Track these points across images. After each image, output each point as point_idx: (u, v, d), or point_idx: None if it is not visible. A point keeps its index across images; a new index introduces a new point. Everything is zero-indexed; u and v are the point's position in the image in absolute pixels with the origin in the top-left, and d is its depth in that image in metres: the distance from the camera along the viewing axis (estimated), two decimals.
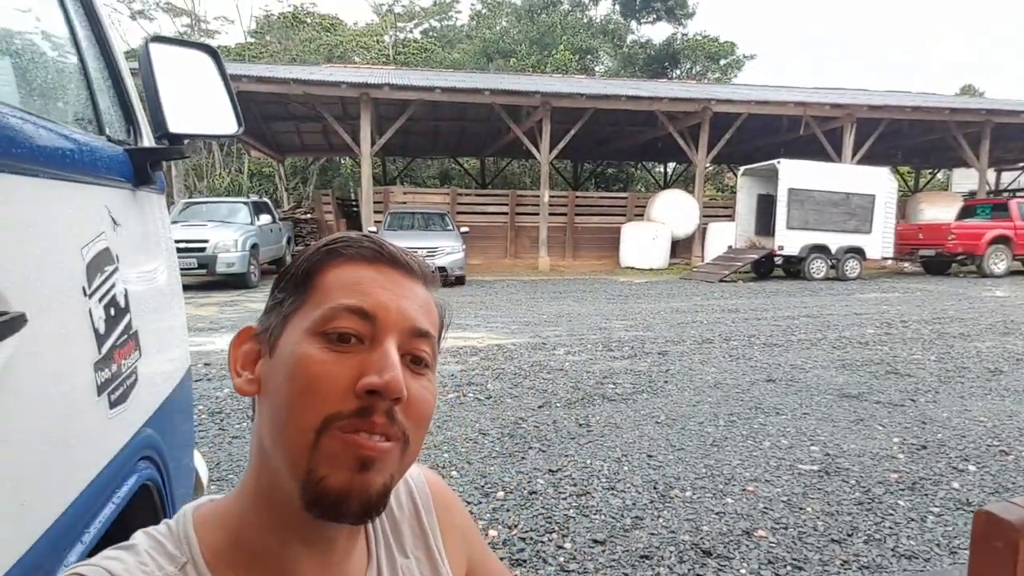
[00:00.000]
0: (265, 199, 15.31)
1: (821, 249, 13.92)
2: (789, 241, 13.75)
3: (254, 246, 11.57)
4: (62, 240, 0.89)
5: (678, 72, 31.90)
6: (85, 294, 0.94)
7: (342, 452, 0.48)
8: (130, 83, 1.40)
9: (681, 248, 17.24)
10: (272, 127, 19.14)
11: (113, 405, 1.02)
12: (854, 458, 3.23)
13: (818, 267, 13.94)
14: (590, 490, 2.83)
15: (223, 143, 24.73)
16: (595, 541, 2.38)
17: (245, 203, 13.00)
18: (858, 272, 14.10)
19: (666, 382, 4.81)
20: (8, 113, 0.77)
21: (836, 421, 3.86)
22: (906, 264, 16.58)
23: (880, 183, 14.39)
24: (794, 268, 14.40)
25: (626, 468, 3.10)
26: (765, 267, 14.76)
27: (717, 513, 2.62)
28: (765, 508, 2.67)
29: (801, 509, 2.67)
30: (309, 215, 17.29)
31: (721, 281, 13.37)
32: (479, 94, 14.83)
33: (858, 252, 14.14)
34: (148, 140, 1.43)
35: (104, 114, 1.25)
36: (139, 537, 0.53)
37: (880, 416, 3.95)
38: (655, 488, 2.87)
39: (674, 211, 16.55)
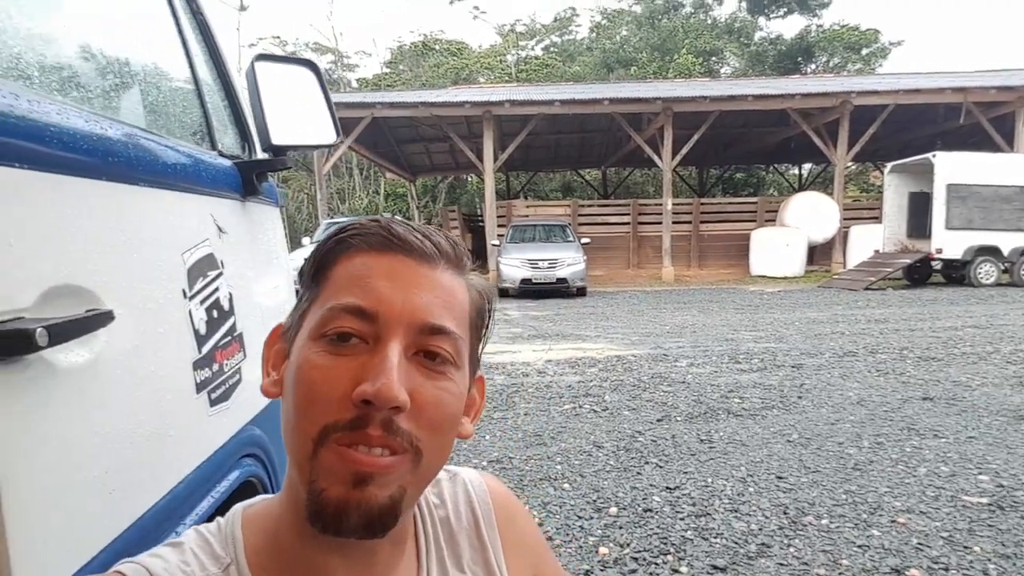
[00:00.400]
0: (397, 217, 16.21)
1: (990, 251, 12.28)
2: (949, 243, 12.27)
3: None
4: (162, 245, 0.94)
5: (813, 66, 29.81)
6: (185, 296, 0.99)
7: (338, 465, 0.45)
8: (245, 103, 1.49)
9: (819, 254, 15.98)
10: (404, 149, 20.25)
11: (214, 403, 1.06)
12: None
13: (987, 271, 12.31)
14: (711, 511, 2.64)
15: (363, 167, 26.58)
16: (715, 567, 2.19)
17: None
18: None
19: (800, 397, 4.41)
20: (110, 127, 0.83)
21: (1012, 447, 3.32)
22: None
23: None
24: (956, 273, 12.82)
25: (752, 489, 2.86)
26: (920, 273, 13.28)
27: (860, 546, 2.33)
28: (920, 544, 2.34)
29: (966, 548, 2.30)
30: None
31: (866, 289, 12.19)
32: (598, 104, 14.74)
33: None
34: (261, 153, 1.52)
35: (217, 131, 1.33)
36: (189, 535, 0.53)
37: None
38: (785, 513, 2.61)
39: (811, 214, 15.37)
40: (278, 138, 1.34)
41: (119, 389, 0.79)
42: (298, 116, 1.43)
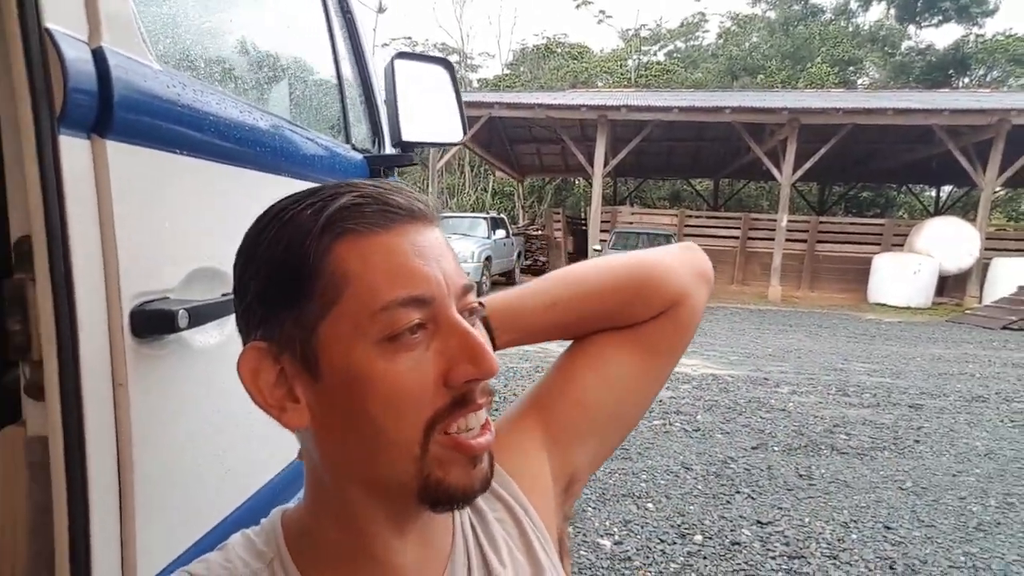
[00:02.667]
0: (502, 215, 16.52)
1: None
2: None
3: (487, 258, 12.49)
4: None
5: (966, 80, 27.16)
6: None
7: (452, 455, 0.46)
8: (380, 102, 1.56)
9: (951, 286, 14.56)
10: (516, 149, 20.50)
11: None
12: None
13: None
14: (806, 554, 2.47)
15: (473, 164, 27.23)
16: None
17: (484, 219, 14.17)
18: None
19: (917, 441, 4.04)
20: (260, 119, 0.88)
21: None
22: None
23: None
24: None
25: (855, 536, 2.65)
26: None
27: None
28: None
29: None
30: (540, 231, 18.11)
31: (1005, 328, 10.96)
32: (720, 112, 14.18)
33: None
34: (390, 149, 1.58)
35: (353, 126, 1.40)
36: (235, 537, 0.55)
37: None
38: (891, 568, 2.40)
39: (945, 242, 14.01)
40: (409, 134, 1.39)
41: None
42: (429, 113, 1.47)
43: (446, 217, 14.77)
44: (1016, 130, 13.02)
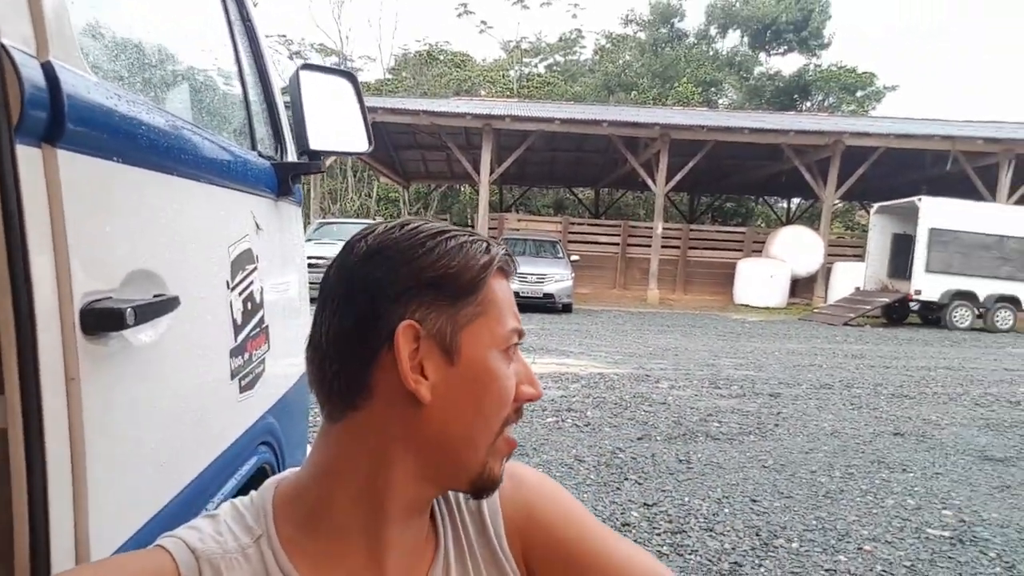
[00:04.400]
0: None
1: (967, 296, 12.61)
2: (928, 285, 12.59)
3: None
4: (214, 237, 1.03)
5: (808, 104, 30.41)
6: (228, 287, 1.07)
7: (505, 449, 0.59)
8: (281, 108, 1.58)
9: (802, 288, 16.27)
10: (401, 155, 20.32)
11: (243, 390, 1.14)
12: (996, 528, 2.89)
13: (962, 316, 12.63)
14: (686, 528, 2.73)
15: (356, 169, 26.61)
16: None
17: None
18: (1011, 324, 12.63)
19: (776, 425, 4.54)
20: (183, 127, 0.91)
21: (975, 485, 3.46)
22: None
23: None
24: (932, 315, 13.15)
25: (727, 510, 2.96)
26: (898, 312, 13.60)
27: (827, 570, 2.44)
28: (884, 572, 2.45)
29: None
30: None
31: (846, 324, 12.44)
32: (597, 125, 14.96)
33: (1012, 302, 12.68)
34: (292, 156, 1.60)
35: (257, 132, 1.42)
36: (224, 507, 0.58)
37: None
38: (758, 535, 2.71)
39: (796, 248, 15.68)
40: (316, 143, 1.42)
41: (173, 369, 0.87)
42: (334, 124, 1.52)
43: (328, 223, 14.34)
44: (849, 150, 14.81)
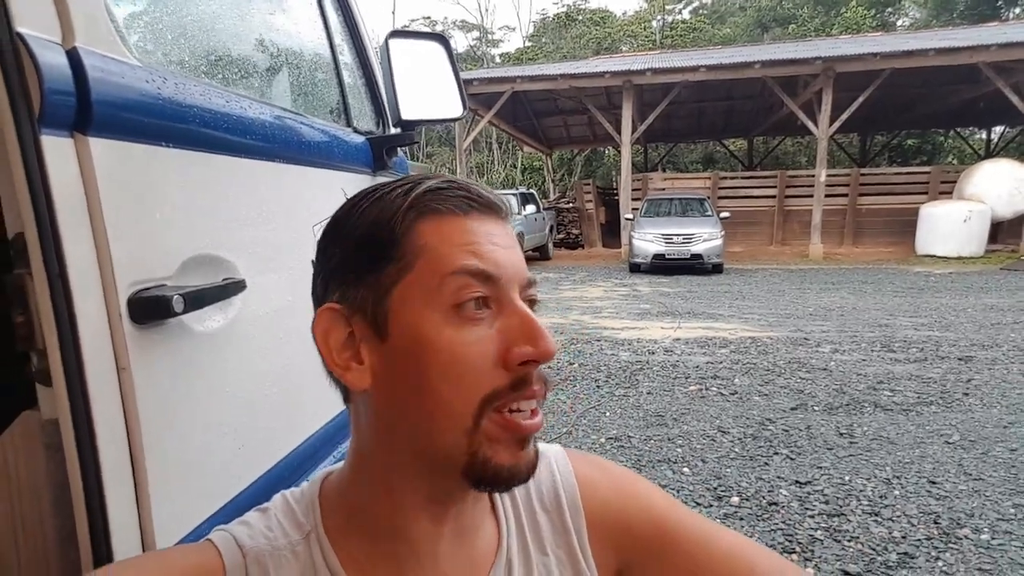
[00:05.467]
0: (532, 191, 16.45)
1: None
2: None
3: (519, 234, 12.47)
4: (295, 217, 1.02)
5: (1017, 11, 25.59)
6: (314, 266, 1.07)
7: (503, 434, 0.47)
8: (381, 84, 1.57)
9: (1006, 232, 13.93)
10: (542, 123, 20.30)
11: None
12: None
13: None
14: (846, 511, 2.44)
15: (501, 141, 27.10)
16: (846, 573, 2.04)
17: (514, 195, 14.11)
18: None
19: (966, 394, 3.92)
20: (248, 107, 0.90)
21: None
22: None
23: None
24: None
25: (897, 492, 2.60)
26: None
27: None
28: None
29: None
30: (571, 204, 17.97)
31: None
32: (749, 68, 13.74)
33: None
34: (392, 128, 1.59)
35: (352, 108, 1.41)
36: (276, 500, 0.56)
37: None
38: (936, 522, 2.36)
39: (997, 186, 13.36)
40: (408, 113, 1.39)
41: (251, 353, 0.87)
42: (427, 91, 1.48)
43: None
44: None
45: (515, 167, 27.55)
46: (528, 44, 32.73)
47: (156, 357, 0.69)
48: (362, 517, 0.52)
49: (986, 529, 2.30)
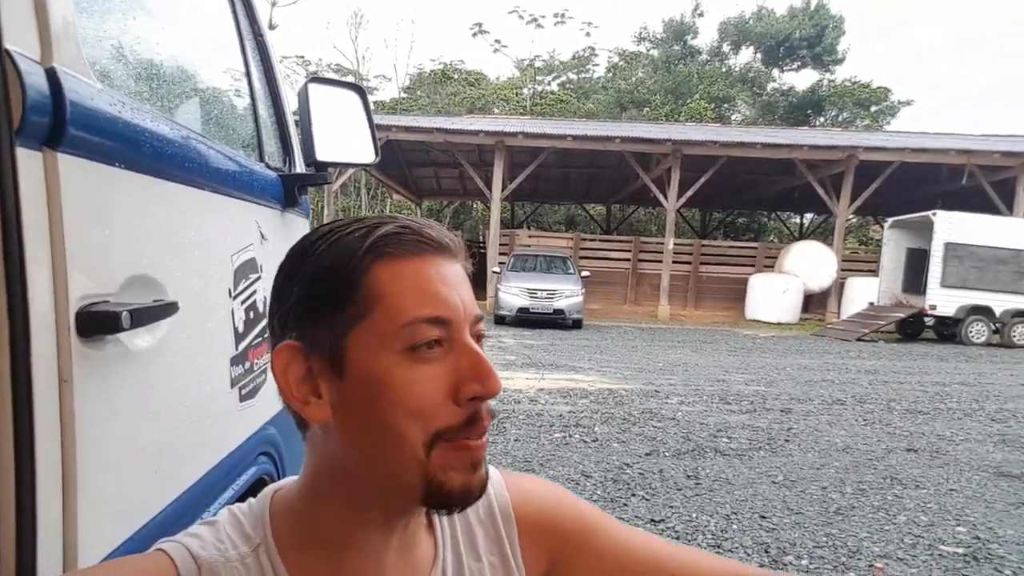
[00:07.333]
0: None
1: (983, 311, 12.43)
2: (943, 300, 12.43)
3: None
4: (217, 246, 1.04)
5: (822, 119, 30.36)
6: (230, 295, 1.09)
7: (456, 460, 0.51)
8: (291, 121, 1.61)
9: (815, 303, 16.13)
10: (414, 172, 20.49)
11: (243, 398, 1.15)
12: (1012, 545, 2.82)
13: (978, 331, 12.44)
14: (694, 545, 2.70)
15: (370, 187, 26.86)
16: None
17: None
18: None
19: (787, 441, 4.48)
20: (189, 136, 0.93)
21: (990, 502, 3.39)
22: None
23: None
24: (948, 331, 12.95)
25: (735, 527, 2.92)
26: (913, 328, 13.41)
27: None
28: None
29: None
30: None
31: (859, 340, 12.29)
32: (610, 141, 15.00)
33: None
34: (300, 168, 1.62)
35: (265, 144, 1.44)
36: (223, 514, 0.57)
37: None
38: (766, 552, 2.67)
39: (809, 263, 15.55)
40: (323, 154, 1.44)
41: (172, 375, 0.88)
42: (342, 135, 1.54)
43: None
44: (863, 165, 14.73)
45: (384, 213, 27.38)
46: (404, 95, 33.15)
47: (98, 371, 0.70)
48: (314, 531, 0.55)
49: (805, 556, 2.65)
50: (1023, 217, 14.37)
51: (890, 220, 14.54)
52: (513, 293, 12.14)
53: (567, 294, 12.08)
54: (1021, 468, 4.06)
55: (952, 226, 12.61)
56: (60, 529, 0.64)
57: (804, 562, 2.59)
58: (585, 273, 13.45)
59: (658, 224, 25.42)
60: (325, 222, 0.58)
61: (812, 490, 3.46)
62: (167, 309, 0.82)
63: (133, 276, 0.78)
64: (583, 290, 12.47)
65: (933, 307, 12.50)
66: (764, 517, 3.04)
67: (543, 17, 40.16)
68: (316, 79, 1.49)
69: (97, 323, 0.68)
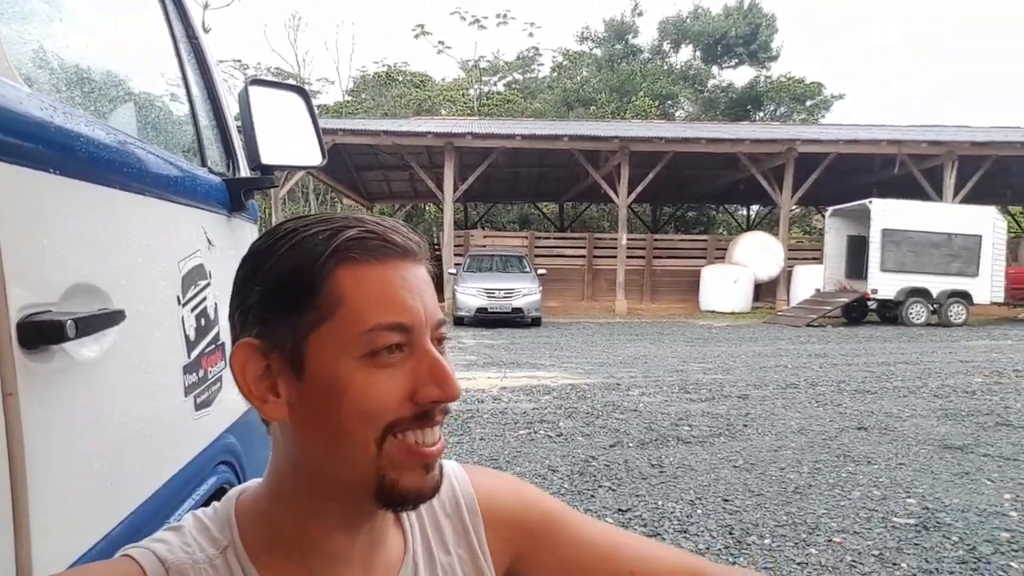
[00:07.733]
0: None
1: (920, 293, 13.05)
2: (883, 284, 12.99)
3: None
4: (162, 252, 1.01)
5: (761, 114, 31.33)
6: (179, 303, 1.05)
7: (408, 460, 0.51)
8: (232, 124, 1.56)
9: (764, 292, 16.63)
10: (363, 176, 20.23)
11: (199, 407, 1.11)
12: (957, 513, 2.97)
13: (917, 312, 13.05)
14: (661, 531, 2.74)
15: (319, 192, 26.37)
16: None
17: None
18: (964, 318, 13.08)
19: (745, 426, 4.60)
20: (126, 141, 0.90)
21: (936, 473, 3.56)
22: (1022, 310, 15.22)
23: (987, 223, 13.42)
24: (890, 313, 13.54)
25: (700, 511, 2.98)
26: (857, 312, 13.97)
27: (799, 563, 2.47)
28: (854, 561, 2.49)
29: (895, 565, 2.47)
30: None
31: (808, 325, 12.73)
32: (558, 140, 15.14)
33: (963, 296, 13.15)
34: (245, 172, 1.58)
35: (207, 149, 1.40)
36: (188, 519, 0.57)
37: (988, 470, 3.61)
38: (731, 533, 2.74)
39: (757, 254, 16.05)
40: (268, 158, 1.41)
41: (122, 385, 0.84)
42: (287, 138, 1.50)
43: None
44: (802, 157, 15.27)
45: None
46: (348, 98, 32.65)
47: (44, 383, 0.66)
48: (280, 532, 0.55)
49: (767, 535, 2.72)
50: (951, 202, 15.14)
51: (830, 209, 15.10)
52: (471, 294, 12.13)
53: (524, 292, 12.14)
54: (963, 440, 4.28)
55: (888, 213, 13.19)
56: (12, 547, 0.61)
57: (767, 541, 2.66)
58: (541, 271, 13.54)
59: (611, 220, 25.78)
60: (289, 218, 0.57)
61: (771, 472, 3.56)
62: (113, 317, 0.78)
63: (75, 284, 0.74)
64: (540, 288, 12.54)
65: (875, 291, 13.05)
66: (727, 500, 3.12)
67: (485, 18, 40.34)
68: (256, 81, 1.45)
69: (40, 333, 0.64)
